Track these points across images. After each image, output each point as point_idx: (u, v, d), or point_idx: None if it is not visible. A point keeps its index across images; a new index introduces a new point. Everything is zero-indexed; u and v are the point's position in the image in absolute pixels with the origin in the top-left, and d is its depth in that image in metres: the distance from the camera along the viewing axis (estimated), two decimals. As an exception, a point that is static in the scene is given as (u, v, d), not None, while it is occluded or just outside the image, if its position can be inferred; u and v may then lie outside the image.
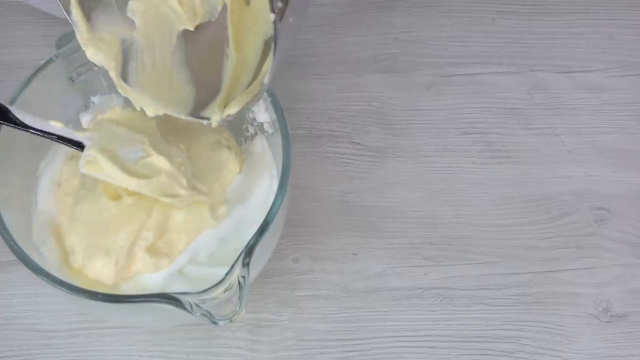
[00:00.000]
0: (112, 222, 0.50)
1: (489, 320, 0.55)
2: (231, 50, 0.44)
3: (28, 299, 0.54)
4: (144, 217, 0.50)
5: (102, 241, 0.49)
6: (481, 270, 0.56)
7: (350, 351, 0.53)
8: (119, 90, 0.47)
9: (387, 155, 0.61)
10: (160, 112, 0.48)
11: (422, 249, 0.57)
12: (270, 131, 0.53)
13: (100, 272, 0.49)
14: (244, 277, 0.43)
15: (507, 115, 0.64)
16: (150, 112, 0.48)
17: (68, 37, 0.52)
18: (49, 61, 0.51)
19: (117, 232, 0.49)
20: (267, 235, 0.45)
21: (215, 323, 0.43)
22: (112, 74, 0.45)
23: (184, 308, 0.42)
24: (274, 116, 0.49)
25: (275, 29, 0.35)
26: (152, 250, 0.49)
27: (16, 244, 0.45)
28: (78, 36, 0.45)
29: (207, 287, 0.42)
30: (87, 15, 0.45)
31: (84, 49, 0.46)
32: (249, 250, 0.44)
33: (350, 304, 0.55)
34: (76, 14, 0.45)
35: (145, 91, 0.48)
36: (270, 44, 0.40)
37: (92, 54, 0.46)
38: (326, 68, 0.65)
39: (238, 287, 0.42)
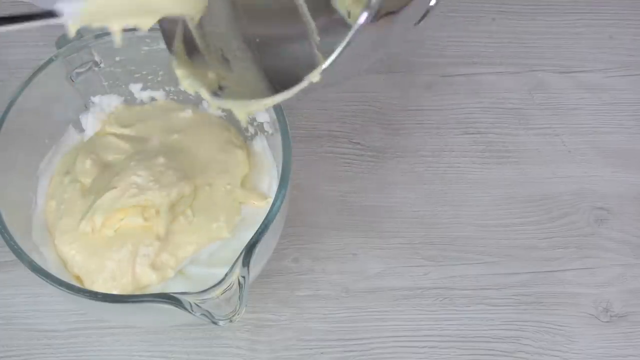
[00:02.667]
0: (105, 242, 0.49)
1: (489, 320, 0.55)
2: None
3: (28, 299, 0.54)
4: (138, 233, 0.49)
5: (102, 264, 0.49)
6: (481, 270, 0.56)
7: (350, 351, 0.53)
8: (211, 104, 0.45)
9: (387, 155, 0.61)
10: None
11: (422, 249, 0.57)
12: (270, 131, 0.53)
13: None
14: (244, 277, 0.43)
15: (507, 115, 0.64)
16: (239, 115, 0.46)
17: (68, 37, 0.52)
18: (49, 61, 0.51)
19: (115, 253, 0.49)
20: (267, 235, 0.45)
21: (215, 323, 0.43)
22: (204, 94, 0.44)
23: (184, 308, 0.42)
24: (274, 116, 0.49)
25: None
26: (156, 266, 0.49)
27: (16, 244, 0.45)
28: (178, 71, 0.43)
29: (207, 287, 0.42)
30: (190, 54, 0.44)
31: (180, 78, 0.44)
32: (249, 250, 0.44)
33: (350, 304, 0.55)
34: (178, 46, 0.44)
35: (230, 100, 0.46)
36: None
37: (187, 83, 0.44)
38: (326, 68, 0.65)
39: (238, 287, 0.42)
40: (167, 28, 0.43)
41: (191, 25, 0.43)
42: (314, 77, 0.35)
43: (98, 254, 0.49)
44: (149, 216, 0.49)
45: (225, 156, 0.53)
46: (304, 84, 0.36)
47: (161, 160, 0.51)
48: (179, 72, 0.43)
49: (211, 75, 0.43)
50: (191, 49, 0.44)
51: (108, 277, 0.48)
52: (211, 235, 0.50)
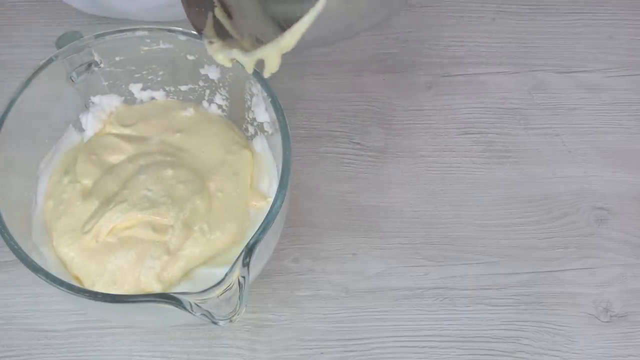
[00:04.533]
0: (106, 247, 0.49)
1: (489, 320, 0.55)
2: None
3: (28, 299, 0.54)
4: (145, 242, 0.49)
5: (102, 267, 0.48)
6: (481, 270, 0.56)
7: (350, 351, 0.53)
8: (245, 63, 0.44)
9: (387, 155, 0.61)
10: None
11: (422, 249, 0.57)
12: (270, 131, 0.53)
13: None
14: (244, 277, 0.43)
15: (507, 115, 0.64)
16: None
17: (68, 37, 0.52)
18: (49, 61, 0.51)
19: (117, 260, 0.48)
20: (267, 235, 0.45)
21: (215, 323, 0.43)
22: (237, 55, 0.44)
23: (184, 308, 0.42)
24: (274, 116, 0.49)
25: None
26: (162, 279, 0.48)
27: (16, 244, 0.45)
28: (210, 49, 0.45)
29: (207, 287, 0.42)
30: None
31: (213, 54, 0.45)
32: (249, 250, 0.44)
33: (350, 304, 0.55)
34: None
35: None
36: None
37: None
38: (326, 68, 0.65)
39: (238, 287, 0.42)
40: (195, 19, 0.46)
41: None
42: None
43: (98, 258, 0.49)
44: (159, 228, 0.49)
45: (233, 157, 0.53)
46: (317, 8, 0.37)
47: (169, 172, 0.51)
48: (211, 49, 0.44)
49: (243, 43, 0.44)
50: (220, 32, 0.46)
51: (109, 281, 0.48)
52: (223, 246, 0.50)
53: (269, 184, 0.53)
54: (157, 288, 0.48)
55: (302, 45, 0.39)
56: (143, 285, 0.48)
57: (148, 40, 0.52)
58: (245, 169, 0.53)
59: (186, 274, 0.49)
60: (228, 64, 0.44)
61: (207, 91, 0.56)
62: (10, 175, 0.49)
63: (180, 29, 0.52)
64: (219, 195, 0.51)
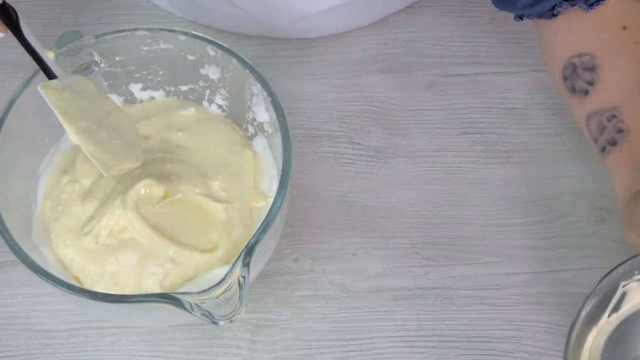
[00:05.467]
0: (106, 249, 0.49)
1: (489, 320, 0.55)
2: None
3: (28, 299, 0.54)
4: (146, 246, 0.48)
5: (102, 269, 0.48)
6: (481, 270, 0.56)
7: (350, 351, 0.53)
8: None
9: (387, 155, 0.61)
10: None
11: (422, 249, 0.57)
12: (270, 131, 0.53)
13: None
14: (244, 277, 0.43)
15: (507, 115, 0.63)
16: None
17: (68, 37, 0.52)
18: (49, 61, 0.51)
19: (117, 262, 0.48)
20: (267, 235, 0.45)
21: (215, 323, 0.43)
22: None
23: (184, 308, 0.42)
24: (274, 116, 0.49)
25: None
26: (165, 286, 0.48)
27: (16, 244, 0.45)
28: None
29: (207, 287, 0.42)
30: None
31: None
32: (249, 250, 0.44)
33: (350, 304, 0.55)
34: None
35: None
36: None
37: None
38: (326, 68, 0.65)
39: (238, 287, 0.42)
40: None
41: None
42: None
43: (98, 259, 0.48)
44: None
45: (235, 157, 0.53)
46: None
47: (168, 167, 0.50)
48: None
49: None
50: None
51: (110, 283, 0.48)
52: (231, 254, 0.50)
53: (269, 184, 0.53)
54: (158, 291, 0.48)
55: None
56: (145, 290, 0.48)
57: (148, 40, 0.52)
58: (248, 169, 0.53)
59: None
60: None
61: (207, 91, 0.56)
62: (10, 175, 0.49)
63: (180, 29, 0.52)
64: (223, 195, 0.51)
